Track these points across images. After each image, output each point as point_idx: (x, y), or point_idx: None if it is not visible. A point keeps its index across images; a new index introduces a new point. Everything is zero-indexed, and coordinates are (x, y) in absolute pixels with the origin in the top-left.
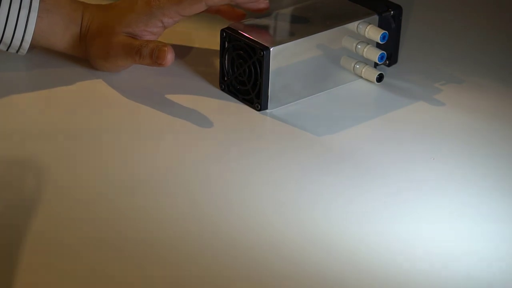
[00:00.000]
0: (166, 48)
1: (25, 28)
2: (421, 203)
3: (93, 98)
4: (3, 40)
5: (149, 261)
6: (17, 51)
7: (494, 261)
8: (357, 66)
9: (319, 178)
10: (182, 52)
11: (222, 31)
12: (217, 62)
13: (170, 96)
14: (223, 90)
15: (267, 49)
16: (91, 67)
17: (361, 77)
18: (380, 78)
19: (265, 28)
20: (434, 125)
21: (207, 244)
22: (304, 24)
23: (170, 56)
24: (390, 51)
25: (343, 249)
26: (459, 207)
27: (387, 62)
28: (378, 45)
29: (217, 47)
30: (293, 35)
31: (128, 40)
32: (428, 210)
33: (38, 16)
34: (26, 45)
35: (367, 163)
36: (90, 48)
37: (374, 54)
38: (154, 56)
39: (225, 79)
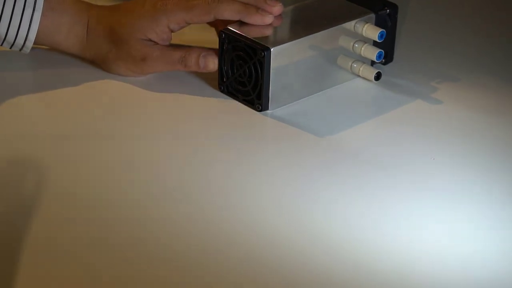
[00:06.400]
0: (212, 57)
1: (29, 27)
2: (421, 203)
3: (92, 99)
4: (6, 39)
5: (149, 262)
6: (20, 49)
7: (495, 260)
8: (355, 65)
9: (320, 178)
10: None
11: (221, 32)
12: None
13: (169, 98)
14: (222, 91)
15: (268, 49)
16: (93, 67)
17: (358, 75)
18: (378, 77)
19: (263, 29)
20: (433, 123)
21: (207, 245)
22: (302, 24)
23: (217, 61)
24: (386, 50)
25: (344, 250)
26: (459, 207)
27: (383, 60)
28: (374, 44)
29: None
30: (292, 35)
31: (167, 49)
32: (428, 210)
33: (42, 15)
34: (30, 44)
35: (368, 163)
36: (111, 52)
37: (372, 53)
38: (201, 64)
39: (224, 80)
